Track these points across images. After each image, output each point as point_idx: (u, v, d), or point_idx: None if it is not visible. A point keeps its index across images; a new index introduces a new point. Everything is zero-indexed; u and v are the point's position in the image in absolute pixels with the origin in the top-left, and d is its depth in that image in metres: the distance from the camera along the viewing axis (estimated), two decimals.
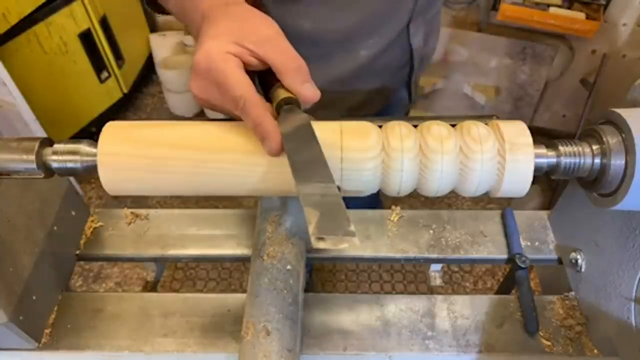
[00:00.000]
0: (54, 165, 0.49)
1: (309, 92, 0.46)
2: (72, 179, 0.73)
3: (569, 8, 1.61)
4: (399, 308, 0.66)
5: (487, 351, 0.61)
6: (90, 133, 2.07)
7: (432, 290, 0.87)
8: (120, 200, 1.94)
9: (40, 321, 0.63)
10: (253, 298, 0.55)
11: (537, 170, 0.49)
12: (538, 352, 0.62)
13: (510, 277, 0.71)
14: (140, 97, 2.49)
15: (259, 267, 0.57)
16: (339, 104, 0.88)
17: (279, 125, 0.44)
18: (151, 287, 0.87)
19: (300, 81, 0.46)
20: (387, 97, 0.95)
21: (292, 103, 0.46)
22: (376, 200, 1.65)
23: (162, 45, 2.37)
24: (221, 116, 0.51)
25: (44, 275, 0.63)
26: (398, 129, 0.48)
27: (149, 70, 2.50)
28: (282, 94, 0.46)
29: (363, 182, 0.48)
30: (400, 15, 0.80)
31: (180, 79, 2.26)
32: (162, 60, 2.33)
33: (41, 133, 1.64)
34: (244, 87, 0.44)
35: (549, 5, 1.60)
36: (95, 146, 0.49)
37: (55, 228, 0.66)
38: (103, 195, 2.03)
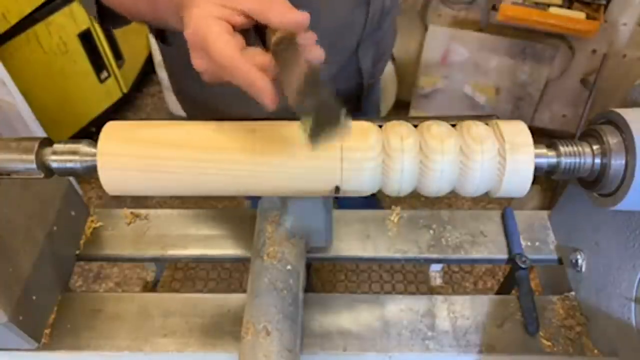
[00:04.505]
0: (54, 165, 0.49)
1: (297, 17, 0.43)
2: (71, 178, 0.73)
3: (569, 8, 1.60)
4: (399, 308, 0.66)
5: (488, 351, 0.61)
6: (89, 133, 2.07)
7: (432, 291, 0.86)
8: (120, 200, 1.94)
9: (40, 321, 0.63)
10: (253, 298, 0.55)
11: (538, 170, 0.49)
12: (538, 352, 0.62)
13: (510, 277, 0.71)
14: (140, 97, 2.48)
15: (259, 267, 0.57)
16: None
17: (278, 67, 0.43)
18: (151, 287, 0.87)
19: (283, 12, 0.43)
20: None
21: (285, 41, 0.43)
22: (374, 201, 1.65)
23: None
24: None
25: (44, 276, 0.63)
26: (398, 128, 0.48)
27: (148, 70, 2.49)
28: (273, 36, 0.44)
29: (363, 182, 0.48)
30: (349, 40, 0.79)
31: None
32: (161, 60, 2.33)
33: (41, 133, 1.64)
34: (227, 51, 0.42)
35: (549, 5, 1.60)
36: (95, 146, 0.49)
37: (55, 228, 0.66)
38: (103, 195, 2.03)
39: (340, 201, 1.21)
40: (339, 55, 0.80)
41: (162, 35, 0.83)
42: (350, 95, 0.91)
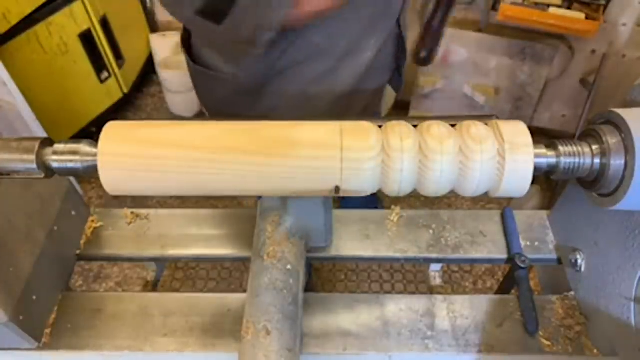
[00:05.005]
0: (54, 165, 0.49)
1: None
2: (72, 178, 0.74)
3: (568, 8, 1.60)
4: (399, 308, 0.66)
5: (487, 351, 0.61)
6: (90, 133, 2.07)
7: (432, 290, 0.87)
8: (121, 200, 1.94)
9: (40, 321, 0.63)
10: (253, 298, 0.55)
11: (537, 170, 0.49)
12: (538, 352, 0.62)
13: (510, 277, 0.71)
14: (140, 97, 2.49)
15: (259, 267, 0.57)
16: (346, 112, 0.92)
17: None
18: (151, 287, 0.87)
19: None
20: (381, 95, 0.98)
21: None
22: (375, 200, 1.65)
23: (162, 45, 2.37)
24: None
25: (44, 275, 0.63)
26: (398, 129, 0.49)
27: (149, 70, 2.50)
28: None
29: (363, 182, 0.48)
30: (393, 10, 0.86)
31: (180, 79, 2.26)
32: (162, 60, 2.33)
33: (41, 133, 1.64)
34: None
35: (548, 5, 1.60)
36: (96, 146, 0.49)
37: (55, 228, 0.66)
38: (103, 195, 2.03)
39: (342, 201, 1.23)
40: (388, 22, 0.87)
41: (191, 53, 0.87)
42: (393, 63, 0.97)
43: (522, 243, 0.72)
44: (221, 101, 0.91)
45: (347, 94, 0.88)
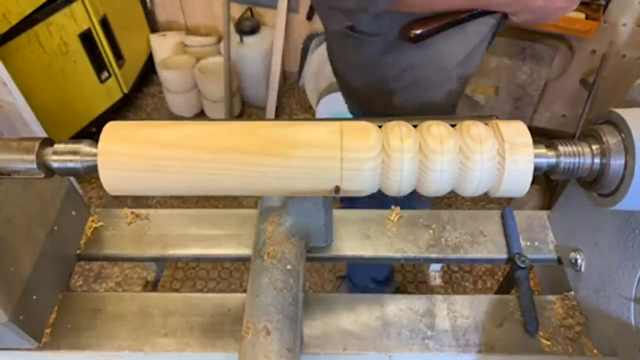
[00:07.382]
0: (55, 165, 0.49)
1: None
2: (72, 178, 0.74)
3: None
4: (399, 308, 0.66)
5: (487, 351, 0.61)
6: (90, 133, 2.07)
7: (432, 290, 0.87)
8: (121, 200, 1.94)
9: (40, 321, 0.63)
10: (253, 298, 0.55)
11: (537, 170, 0.49)
12: (538, 352, 0.62)
13: (510, 276, 0.72)
14: (140, 97, 2.49)
15: (259, 267, 0.57)
16: (463, 73, 0.97)
17: None
18: (151, 286, 0.87)
19: None
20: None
21: None
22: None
23: (162, 45, 2.37)
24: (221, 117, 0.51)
25: (45, 275, 0.63)
26: (398, 129, 0.49)
27: (149, 70, 2.50)
28: None
29: (363, 182, 0.48)
30: None
31: (180, 79, 2.26)
32: (162, 60, 2.33)
33: (41, 133, 1.64)
34: None
35: None
36: (96, 146, 0.49)
37: (55, 228, 0.66)
38: (103, 195, 2.03)
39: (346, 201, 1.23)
40: None
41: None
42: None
43: (522, 243, 0.72)
44: (368, 60, 0.96)
45: (470, 52, 0.92)
